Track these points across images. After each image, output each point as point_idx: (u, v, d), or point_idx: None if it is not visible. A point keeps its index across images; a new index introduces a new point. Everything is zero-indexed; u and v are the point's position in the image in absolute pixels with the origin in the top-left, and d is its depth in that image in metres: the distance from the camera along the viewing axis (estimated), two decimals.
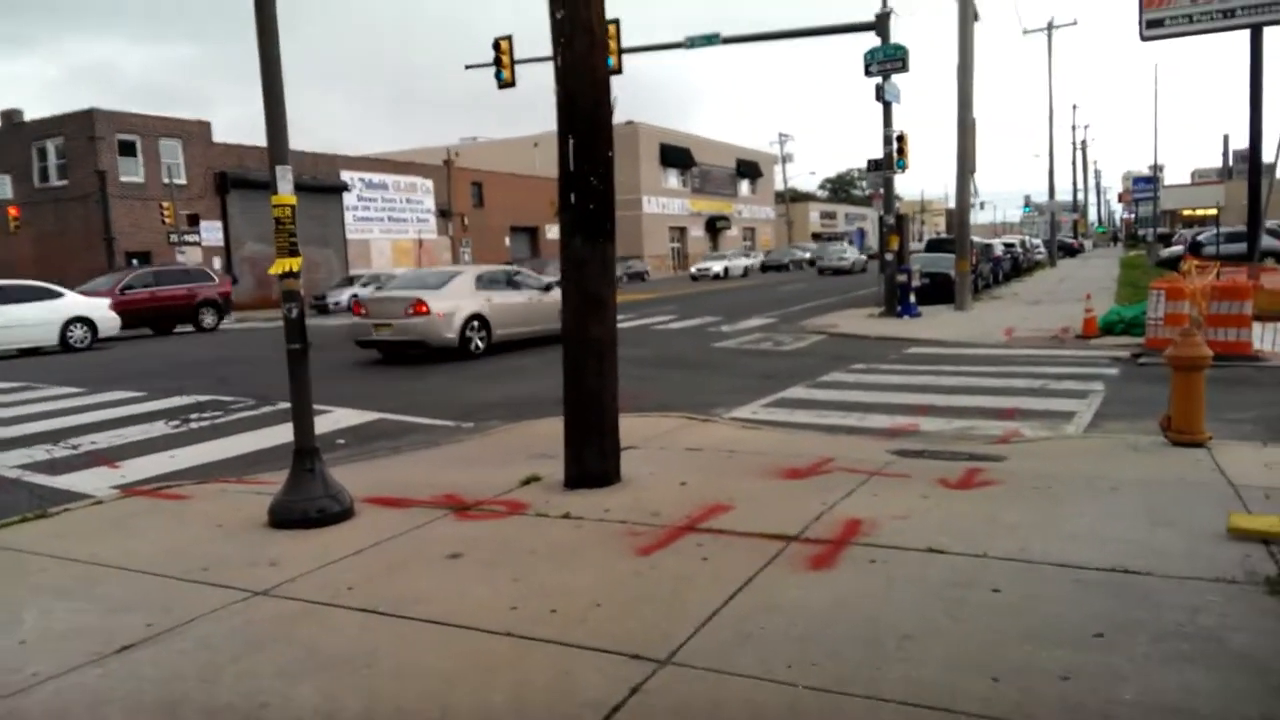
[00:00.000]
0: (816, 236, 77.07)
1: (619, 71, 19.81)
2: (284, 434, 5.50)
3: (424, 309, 13.89)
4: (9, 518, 5.46)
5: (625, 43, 20.84)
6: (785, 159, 73.10)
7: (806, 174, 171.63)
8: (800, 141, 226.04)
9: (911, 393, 9.67)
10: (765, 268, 54.74)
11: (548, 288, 15.98)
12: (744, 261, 52.27)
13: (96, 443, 8.26)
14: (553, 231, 44.92)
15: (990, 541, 4.24)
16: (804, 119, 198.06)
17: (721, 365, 12.90)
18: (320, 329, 21.01)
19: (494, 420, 8.76)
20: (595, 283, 5.64)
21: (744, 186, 72.35)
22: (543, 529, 4.82)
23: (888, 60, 19.63)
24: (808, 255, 56.76)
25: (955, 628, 3.31)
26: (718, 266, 48.98)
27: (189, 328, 24.14)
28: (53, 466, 7.32)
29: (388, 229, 41.14)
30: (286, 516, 5.05)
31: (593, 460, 5.65)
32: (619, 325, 6.06)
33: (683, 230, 63.17)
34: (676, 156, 61.02)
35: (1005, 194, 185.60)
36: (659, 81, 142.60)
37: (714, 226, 66.37)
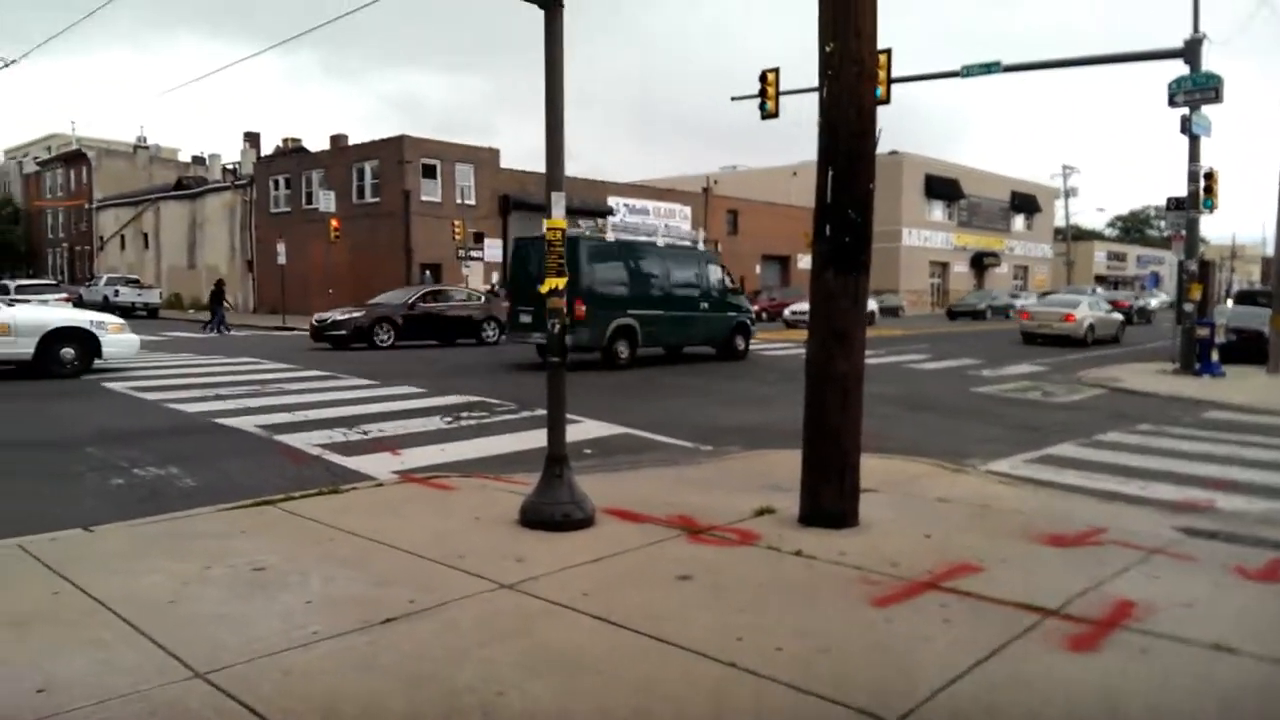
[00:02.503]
0: (1101, 279, 70.00)
1: (887, 101, 19.20)
2: (538, 439, 5.87)
3: (1071, 318, 24.93)
4: (308, 490, 6.29)
5: (896, 71, 20.18)
6: (1068, 193, 67.05)
7: (1093, 210, 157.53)
8: (1086, 174, 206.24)
9: (1208, 463, 8.49)
10: (953, 314, 45.35)
11: (1109, 310, 28.24)
12: (894, 301, 44.19)
13: (384, 430, 9.30)
14: (804, 261, 44.20)
15: None
16: (1092, 150, 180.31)
17: (979, 412, 12.07)
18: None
19: (732, 445, 8.79)
20: (844, 317, 5.48)
21: (1018, 221, 67.37)
22: (773, 563, 4.75)
23: (1197, 90, 17.47)
24: (998, 301, 45.96)
25: None
26: None
27: None
28: (346, 448, 8.33)
29: None
30: (535, 517, 5.38)
31: (829, 499, 5.49)
32: (868, 361, 5.86)
33: (944, 265, 59.98)
34: (942, 188, 58.15)
35: None
36: (929, 107, 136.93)
37: (981, 263, 62.39)
